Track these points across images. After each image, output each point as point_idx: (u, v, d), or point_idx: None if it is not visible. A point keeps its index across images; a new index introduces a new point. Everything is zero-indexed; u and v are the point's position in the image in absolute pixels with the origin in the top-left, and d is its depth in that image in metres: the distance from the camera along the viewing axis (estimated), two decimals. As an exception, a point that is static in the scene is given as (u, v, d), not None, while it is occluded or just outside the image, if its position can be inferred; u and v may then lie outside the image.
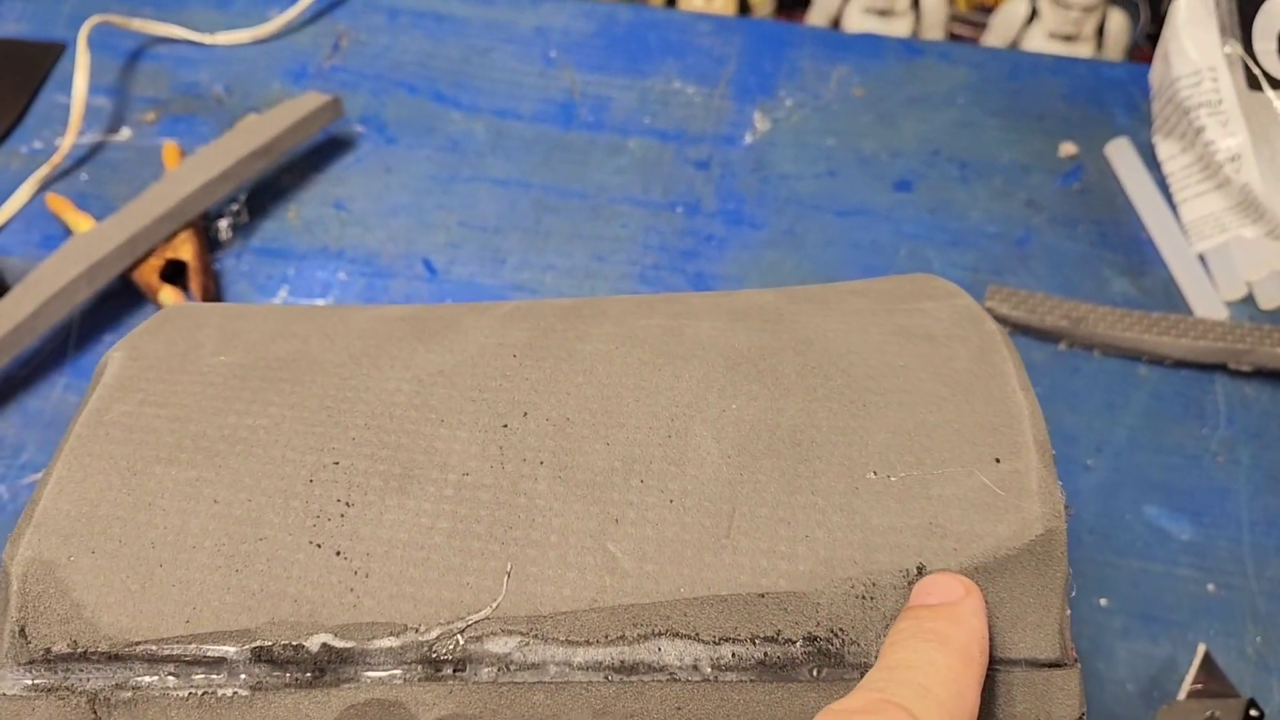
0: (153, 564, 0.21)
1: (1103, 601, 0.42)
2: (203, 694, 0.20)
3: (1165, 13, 1.34)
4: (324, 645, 0.21)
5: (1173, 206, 0.52)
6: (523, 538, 0.21)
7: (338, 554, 0.21)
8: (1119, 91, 0.58)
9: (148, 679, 0.21)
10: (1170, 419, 0.47)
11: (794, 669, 0.21)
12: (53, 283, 0.48)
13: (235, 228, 0.53)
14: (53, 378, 0.49)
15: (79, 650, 0.21)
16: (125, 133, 0.57)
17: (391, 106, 0.58)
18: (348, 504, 0.22)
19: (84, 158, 0.57)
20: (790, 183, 0.54)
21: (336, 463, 0.23)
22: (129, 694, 0.21)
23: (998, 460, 0.22)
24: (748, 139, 0.56)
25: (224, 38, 0.61)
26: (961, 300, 0.27)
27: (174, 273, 0.50)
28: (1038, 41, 1.27)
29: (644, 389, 0.23)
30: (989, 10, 1.39)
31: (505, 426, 0.23)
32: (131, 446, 0.23)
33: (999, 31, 1.32)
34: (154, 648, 0.21)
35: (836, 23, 1.32)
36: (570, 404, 0.23)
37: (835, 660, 0.21)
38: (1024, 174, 0.55)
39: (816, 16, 1.34)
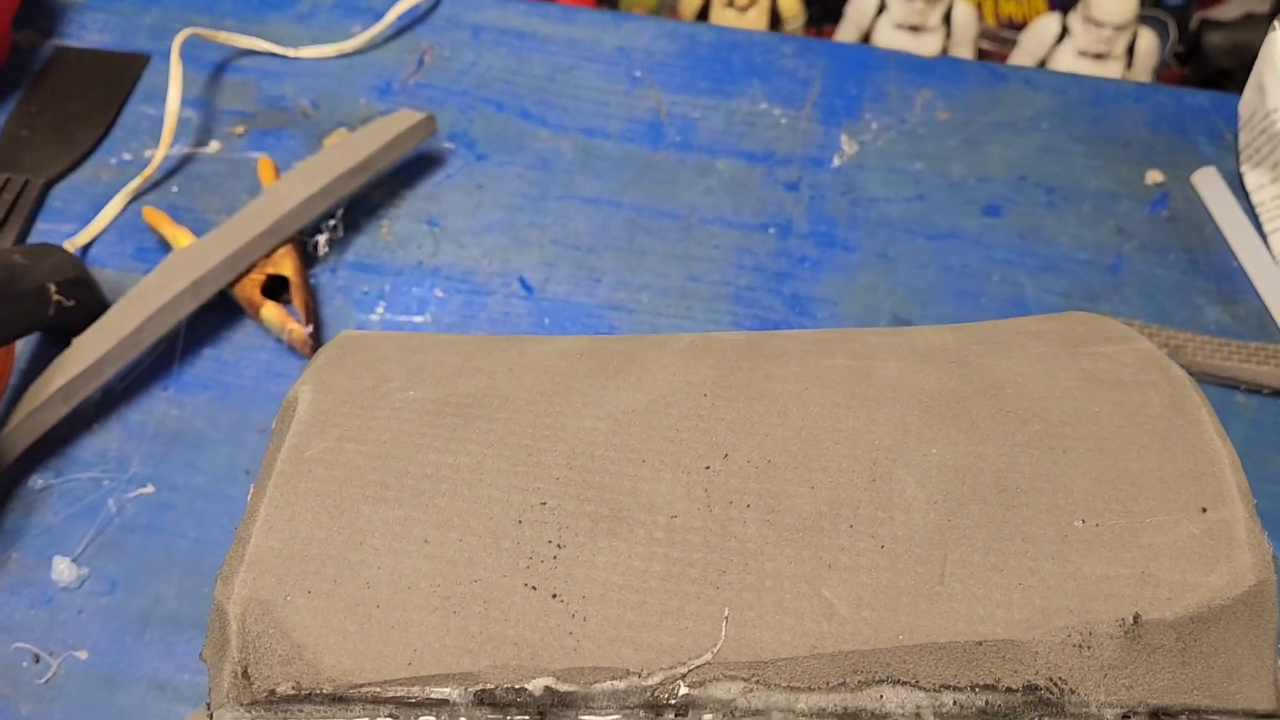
0: (370, 605, 0.21)
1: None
2: None
3: (1198, 32, 1.34)
4: (546, 689, 0.21)
5: (1263, 235, 0.53)
6: (737, 582, 0.21)
7: (554, 596, 0.21)
8: (1202, 120, 0.58)
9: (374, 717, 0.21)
10: (1273, 448, 0.47)
11: (1015, 717, 0.21)
12: (157, 297, 0.48)
13: (331, 243, 0.53)
14: (155, 391, 0.49)
15: (303, 692, 0.21)
16: (214, 145, 0.58)
17: (479, 123, 0.59)
18: (559, 545, 0.22)
19: (174, 169, 0.57)
20: (880, 206, 0.55)
21: (544, 503, 0.23)
22: None
23: (1204, 510, 0.22)
24: (836, 161, 0.57)
25: (308, 51, 0.61)
26: (1142, 344, 0.27)
27: (275, 288, 0.51)
28: (1067, 59, 1.27)
29: (841, 432, 0.23)
30: (1019, 27, 1.40)
31: (708, 468, 0.23)
32: (336, 484, 0.23)
33: (1028, 48, 1.32)
34: (377, 689, 0.21)
35: (867, 37, 1.32)
36: (769, 446, 0.23)
37: (1056, 710, 0.21)
38: (1112, 201, 0.55)
39: (847, 32, 1.34)
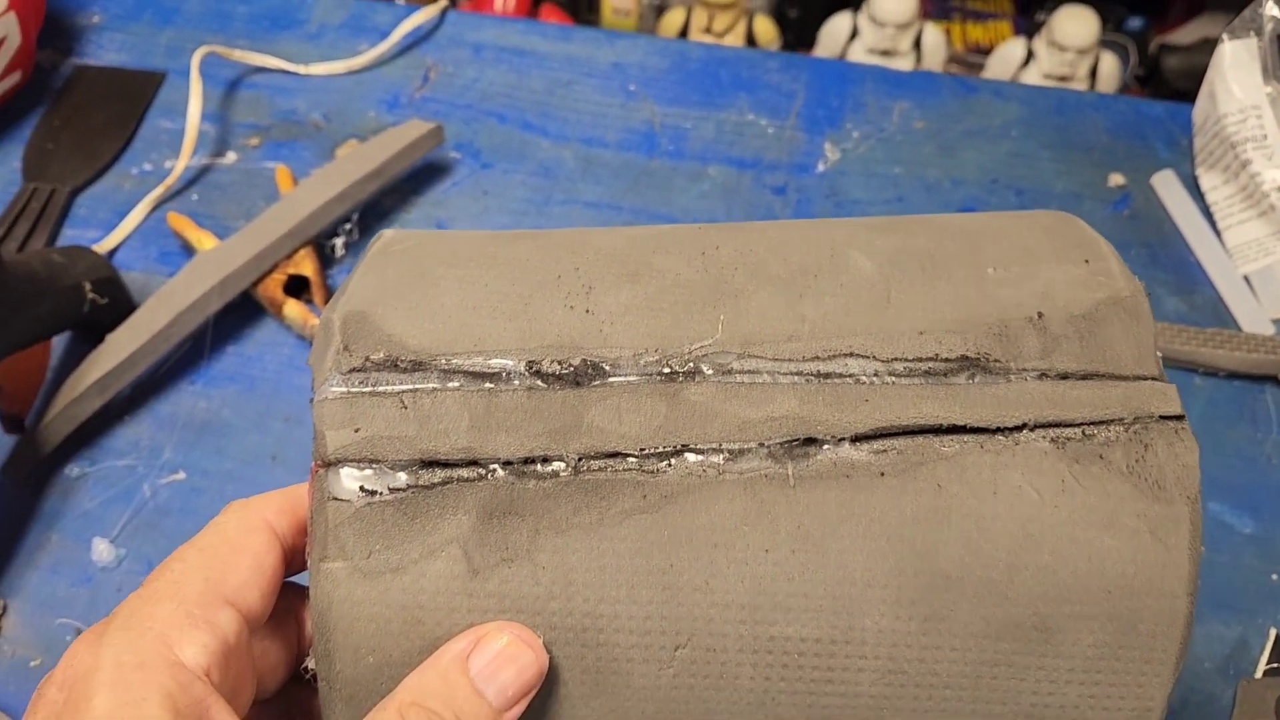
0: (444, 315, 0.27)
1: (1176, 590, 0.46)
2: (489, 393, 0.27)
3: (1157, 56, 1.39)
4: (583, 360, 0.27)
5: (1217, 232, 0.57)
6: (730, 306, 0.28)
7: (587, 312, 0.28)
8: (1159, 127, 0.63)
9: (444, 384, 0.27)
10: (1226, 424, 0.51)
11: (953, 375, 0.27)
12: (186, 295, 0.51)
13: (347, 245, 0.56)
14: (183, 385, 0.52)
15: (391, 359, 0.27)
16: (231, 156, 0.61)
17: (483, 134, 0.62)
18: (590, 288, 0.28)
19: (194, 179, 0.60)
20: (863, 208, 0.59)
21: (577, 268, 0.29)
22: (429, 394, 0.26)
23: (1087, 261, 0.29)
24: (820, 167, 0.60)
25: (319, 68, 0.65)
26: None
27: (295, 287, 0.54)
28: (1033, 82, 1.33)
29: (805, 236, 0.30)
30: (986, 52, 1.45)
31: (703, 254, 0.29)
32: (416, 260, 0.29)
33: (995, 71, 1.37)
34: (451, 359, 0.27)
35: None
36: (751, 243, 0.30)
37: (984, 370, 0.27)
38: (1077, 201, 0.59)
39: (821, 55, 1.39)
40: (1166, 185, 0.59)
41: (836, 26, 1.36)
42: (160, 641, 0.24)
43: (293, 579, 0.29)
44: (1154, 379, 0.27)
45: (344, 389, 0.26)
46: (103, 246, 0.56)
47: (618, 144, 0.62)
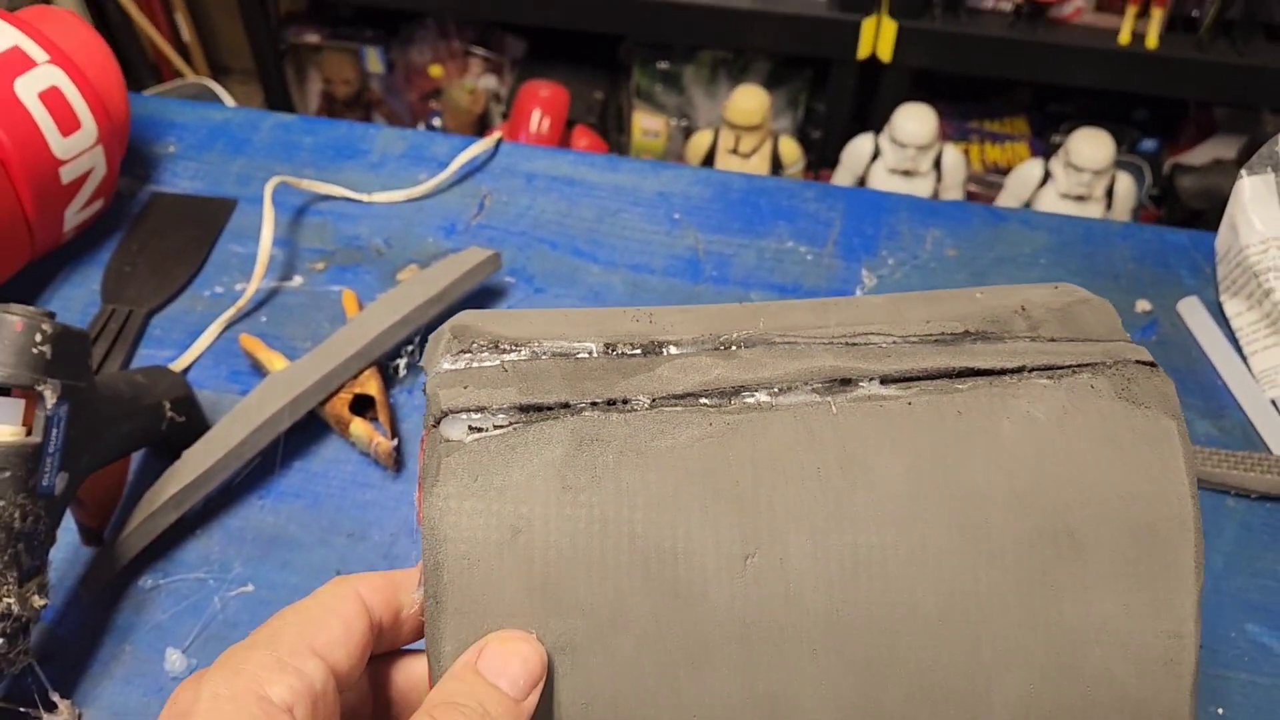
0: (534, 324, 0.32)
1: (1219, 710, 0.47)
2: (576, 360, 0.31)
3: (1171, 176, 1.43)
4: (651, 340, 0.32)
5: (1243, 357, 0.59)
6: (767, 318, 0.33)
7: (651, 321, 0.33)
8: (1183, 255, 0.66)
9: (537, 357, 0.31)
10: (1261, 546, 0.52)
11: (959, 342, 0.32)
12: (259, 414, 0.53)
13: (409, 366, 0.59)
14: (251, 500, 0.54)
15: (493, 342, 0.31)
16: (297, 280, 0.64)
17: (536, 260, 0.65)
18: (651, 315, 0.33)
19: (263, 301, 0.63)
20: (900, 332, 0.61)
21: (638, 310, 0.34)
22: (527, 361, 0.31)
23: (1056, 287, 0.34)
24: (858, 293, 0.63)
25: (380, 197, 0.69)
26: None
27: (360, 406, 0.56)
28: (1050, 201, 1.37)
29: (829, 300, 0.35)
30: (1004, 172, 1.50)
31: (740, 302, 0.39)
32: (505, 314, 0.34)
33: (1013, 191, 1.42)
34: (545, 343, 0.31)
35: (863, 181, 1.42)
36: (781, 303, 0.35)
37: (984, 338, 0.32)
38: (1106, 327, 0.61)
39: (842, 177, 1.44)
40: (1192, 311, 0.61)
41: (859, 148, 1.41)
42: (252, 680, 0.27)
43: (380, 655, 0.32)
44: (1125, 341, 0.32)
45: (453, 366, 0.31)
46: (176, 366, 0.59)
47: (664, 270, 0.65)
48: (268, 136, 0.73)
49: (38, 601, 0.43)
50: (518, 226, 0.67)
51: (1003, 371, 0.31)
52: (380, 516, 0.53)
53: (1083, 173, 1.31)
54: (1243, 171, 0.60)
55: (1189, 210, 1.46)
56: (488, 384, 0.30)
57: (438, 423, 0.30)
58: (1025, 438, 0.29)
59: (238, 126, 0.74)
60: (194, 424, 0.54)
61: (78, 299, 0.63)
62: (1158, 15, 1.26)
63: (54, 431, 0.44)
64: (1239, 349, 0.60)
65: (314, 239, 0.67)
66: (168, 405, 0.52)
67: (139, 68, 1.86)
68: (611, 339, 0.32)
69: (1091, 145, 1.30)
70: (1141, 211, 1.49)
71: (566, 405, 0.30)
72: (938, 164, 1.39)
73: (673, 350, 0.32)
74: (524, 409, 0.30)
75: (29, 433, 0.43)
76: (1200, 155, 1.51)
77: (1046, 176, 1.38)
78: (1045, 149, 1.54)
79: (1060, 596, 0.29)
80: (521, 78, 1.59)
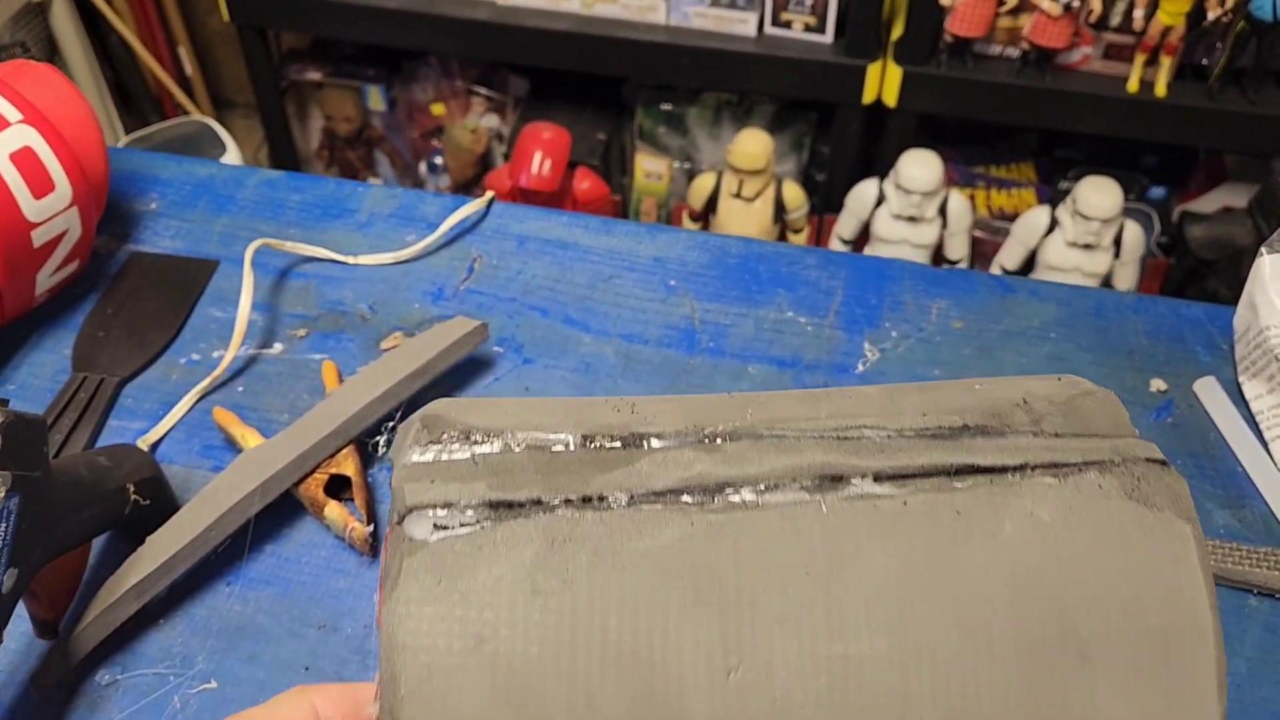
0: (509, 414, 0.30)
1: (1244, 836, 0.44)
2: (552, 453, 0.29)
3: (1180, 224, 1.41)
4: (631, 433, 0.30)
5: (1264, 443, 0.56)
6: (755, 408, 0.31)
7: (633, 410, 0.31)
8: (1198, 330, 0.63)
9: (511, 449, 0.29)
10: (1287, 651, 0.49)
11: (957, 437, 0.30)
12: (229, 497, 0.51)
13: (389, 444, 0.56)
14: (219, 586, 0.51)
15: (464, 433, 0.29)
16: (278, 347, 0.62)
17: (525, 328, 0.63)
18: (633, 405, 0.31)
19: (240, 369, 0.61)
20: (903, 410, 0.58)
21: (620, 399, 0.32)
22: (498, 453, 0.29)
23: (1060, 379, 0.33)
24: (860, 367, 0.61)
25: (367, 259, 0.66)
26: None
27: (336, 487, 0.54)
28: (1057, 249, 1.35)
29: (820, 391, 0.34)
30: (1010, 218, 1.48)
31: (728, 393, 0.33)
32: (477, 404, 0.32)
33: (1020, 239, 1.40)
34: (519, 434, 0.30)
35: (867, 226, 1.40)
36: (768, 394, 0.34)
37: (983, 433, 0.31)
38: (1120, 407, 0.59)
39: (846, 222, 1.42)
40: (1210, 392, 0.59)
41: (863, 192, 1.39)
42: None
43: None
44: (1134, 437, 0.30)
45: (421, 456, 0.29)
46: (148, 439, 0.56)
47: (658, 340, 0.62)
48: (253, 194, 0.71)
49: (-21, 712, 0.40)
50: (508, 292, 0.65)
51: (1004, 469, 0.29)
52: (354, 606, 0.51)
53: (1090, 221, 1.29)
54: (1263, 249, 0.57)
55: (1199, 259, 1.43)
56: (456, 478, 0.28)
57: (401, 520, 0.28)
58: (1028, 539, 0.28)
59: (222, 183, 0.72)
60: (161, 506, 0.51)
61: (47, 365, 0.61)
62: (1167, 64, 1.24)
63: (2, 526, 0.41)
64: (1259, 434, 0.57)
65: (296, 303, 0.64)
66: (132, 488, 0.49)
67: (142, 101, 1.85)
68: (590, 430, 0.30)
69: (1100, 194, 1.28)
70: (1150, 260, 1.47)
71: (539, 502, 0.28)
72: (943, 210, 1.37)
73: (654, 443, 0.30)
74: (494, 505, 0.28)
75: (-27, 531, 0.40)
76: (1210, 203, 1.49)
77: (1054, 224, 1.36)
78: (1052, 196, 1.51)
79: (1068, 711, 0.27)
80: (524, 117, 1.58)
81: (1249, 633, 0.50)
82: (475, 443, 0.29)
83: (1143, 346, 0.62)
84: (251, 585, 0.51)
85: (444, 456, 0.29)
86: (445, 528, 0.28)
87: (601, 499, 0.28)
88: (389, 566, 0.28)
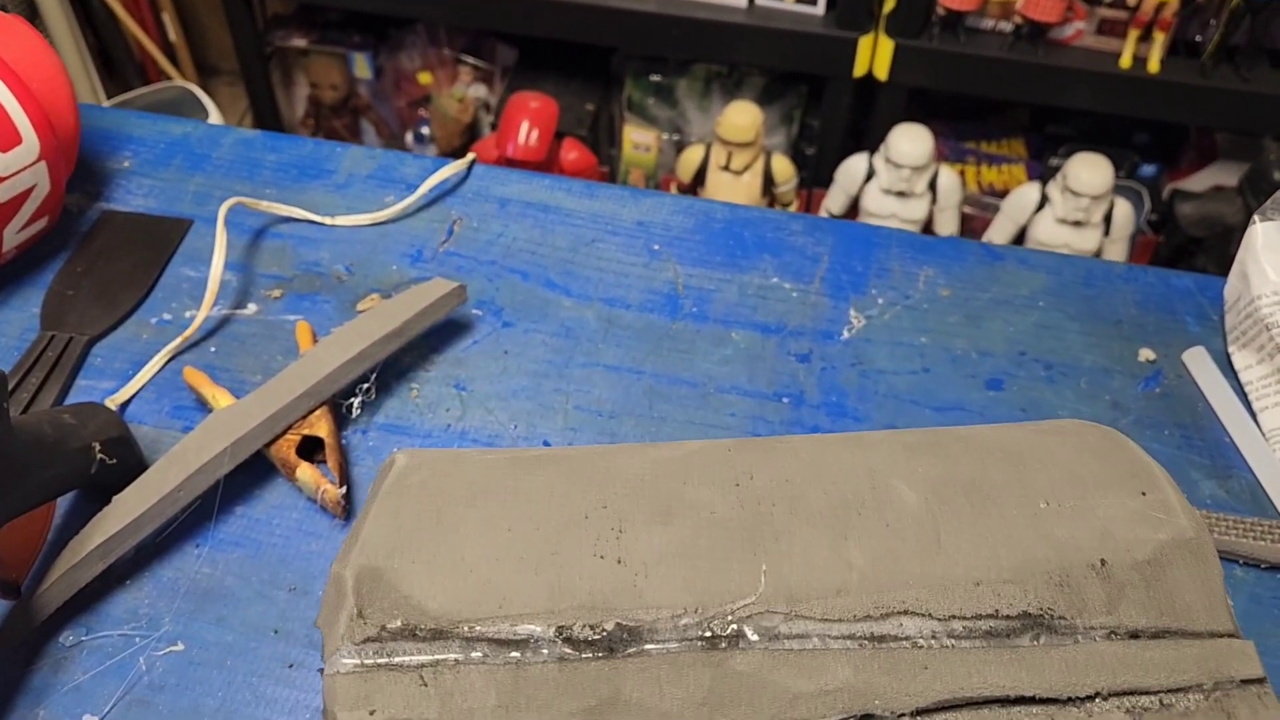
0: (465, 570, 0.26)
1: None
2: (516, 664, 0.24)
3: (1170, 202, 1.40)
4: (617, 624, 0.25)
5: (1252, 413, 0.56)
6: (772, 549, 0.26)
7: (619, 562, 0.26)
8: (1188, 300, 0.62)
9: (467, 654, 0.25)
10: (1272, 622, 0.49)
11: (1016, 636, 0.25)
12: (197, 457, 0.50)
13: (363, 405, 0.55)
14: (187, 548, 0.50)
15: (409, 627, 0.25)
16: (252, 308, 0.60)
17: (505, 292, 0.62)
18: (621, 531, 0.27)
19: (212, 330, 0.59)
20: (888, 378, 0.58)
21: (605, 506, 0.27)
22: (451, 667, 0.24)
23: (1143, 493, 0.28)
24: (845, 334, 0.60)
25: (344, 220, 0.65)
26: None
27: (309, 448, 0.52)
28: (1047, 225, 1.34)
29: (842, 461, 0.29)
30: (1001, 194, 1.47)
31: (738, 485, 0.28)
32: (432, 496, 0.28)
33: (1010, 214, 1.39)
34: (474, 626, 0.25)
35: (856, 201, 1.39)
36: (786, 470, 0.29)
37: (1050, 629, 0.26)
38: (1107, 377, 0.58)
39: (835, 197, 1.41)
40: (1198, 362, 0.58)
41: (853, 167, 1.38)
42: None
43: None
44: (1230, 635, 0.27)
45: (357, 660, 0.25)
46: (116, 399, 0.55)
47: (640, 305, 0.61)
48: (229, 153, 0.70)
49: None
50: (488, 255, 0.64)
51: (1070, 700, 0.25)
52: (325, 568, 0.50)
53: (1081, 198, 1.28)
54: (1255, 217, 0.56)
55: (1188, 237, 1.43)
56: (401, 708, 0.24)
57: None
58: None
59: (197, 142, 0.71)
60: (127, 466, 0.50)
61: (15, 324, 0.59)
62: (1160, 40, 1.22)
63: (-40, 482, 0.40)
64: (1248, 404, 0.56)
65: (271, 264, 0.63)
66: (98, 447, 0.48)
67: (125, 67, 1.82)
68: (566, 611, 0.25)
69: (1090, 170, 1.27)
70: (1139, 238, 1.46)
71: None
72: (933, 185, 1.36)
73: (646, 645, 0.25)
74: None
75: (-72, 486, 0.39)
76: (1201, 181, 1.48)
77: (1044, 201, 1.35)
78: (1043, 172, 1.50)
79: None
80: (512, 87, 1.56)
81: (1234, 604, 0.49)
82: (422, 639, 0.25)
83: (1132, 316, 0.61)
84: (221, 547, 0.50)
85: (384, 661, 0.25)
86: None
87: None
88: None
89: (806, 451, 0.29)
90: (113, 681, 0.46)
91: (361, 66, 1.64)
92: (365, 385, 0.55)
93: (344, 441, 0.54)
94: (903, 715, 0.24)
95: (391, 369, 0.57)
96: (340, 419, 0.55)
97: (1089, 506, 0.28)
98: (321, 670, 0.25)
